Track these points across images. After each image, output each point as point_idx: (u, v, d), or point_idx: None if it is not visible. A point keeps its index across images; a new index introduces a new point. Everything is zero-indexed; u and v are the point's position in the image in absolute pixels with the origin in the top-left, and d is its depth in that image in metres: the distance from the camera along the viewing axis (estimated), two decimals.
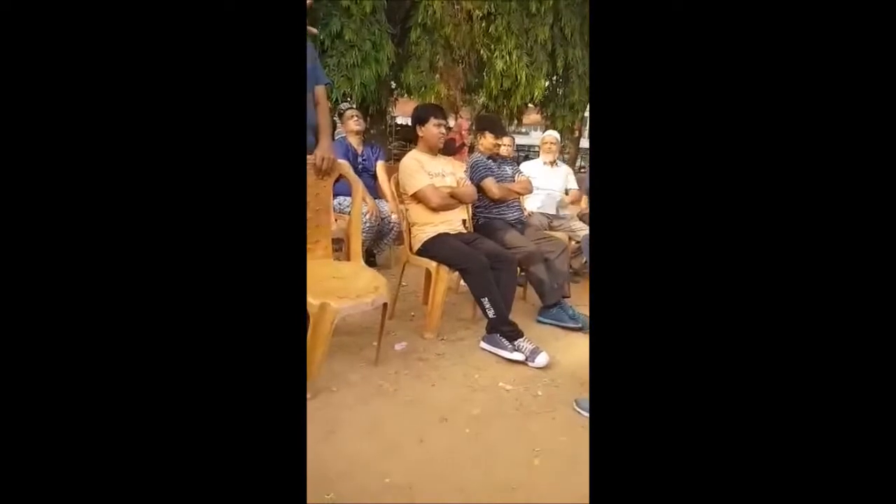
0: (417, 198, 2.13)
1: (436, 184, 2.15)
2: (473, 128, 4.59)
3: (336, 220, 2.80)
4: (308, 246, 1.74)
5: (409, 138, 10.09)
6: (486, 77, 5.78)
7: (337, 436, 1.41)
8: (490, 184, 2.45)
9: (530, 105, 6.55)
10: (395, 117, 8.66)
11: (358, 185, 1.84)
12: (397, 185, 2.23)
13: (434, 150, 2.23)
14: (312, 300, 1.50)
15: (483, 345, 2.03)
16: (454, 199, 2.18)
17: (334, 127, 2.92)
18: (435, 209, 2.12)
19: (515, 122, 6.50)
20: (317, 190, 1.71)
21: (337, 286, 1.62)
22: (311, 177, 1.69)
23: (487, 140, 2.57)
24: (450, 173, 2.26)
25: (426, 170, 2.15)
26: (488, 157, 2.58)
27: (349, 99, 5.47)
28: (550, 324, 2.34)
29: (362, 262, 1.85)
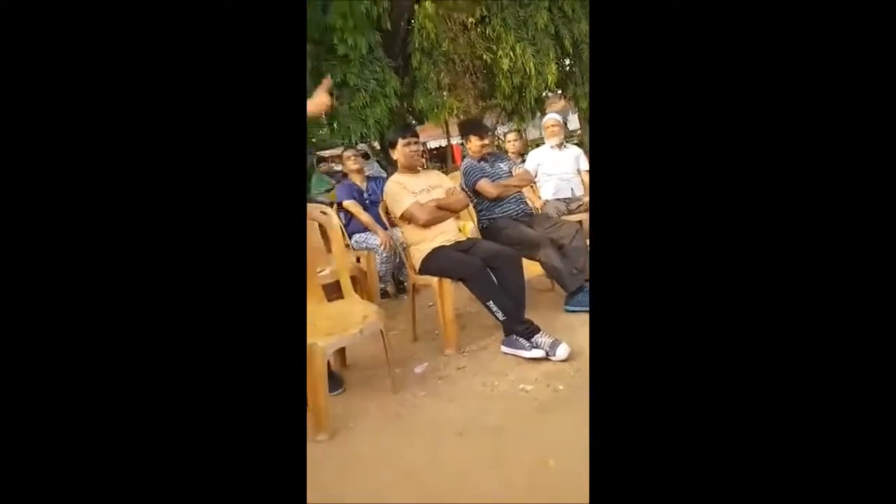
0: (406, 218, 2.13)
1: (421, 200, 2.14)
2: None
3: (358, 259, 2.87)
4: None
5: (443, 158, 10.18)
6: (496, 79, 5.73)
7: (355, 472, 1.41)
8: (485, 185, 2.40)
9: (549, 93, 6.38)
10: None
11: (334, 224, 1.88)
12: (386, 212, 2.25)
13: (414, 169, 2.23)
14: None
15: (503, 349, 1.96)
16: (444, 211, 2.15)
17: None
18: (425, 225, 2.10)
19: (538, 113, 6.35)
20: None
21: (326, 325, 1.64)
22: None
23: (473, 143, 2.52)
24: (437, 186, 2.24)
25: (409, 189, 2.15)
26: (479, 160, 2.53)
27: (367, 140, 5.67)
28: (579, 310, 2.21)
29: (355, 297, 1.86)
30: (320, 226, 1.95)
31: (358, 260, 2.89)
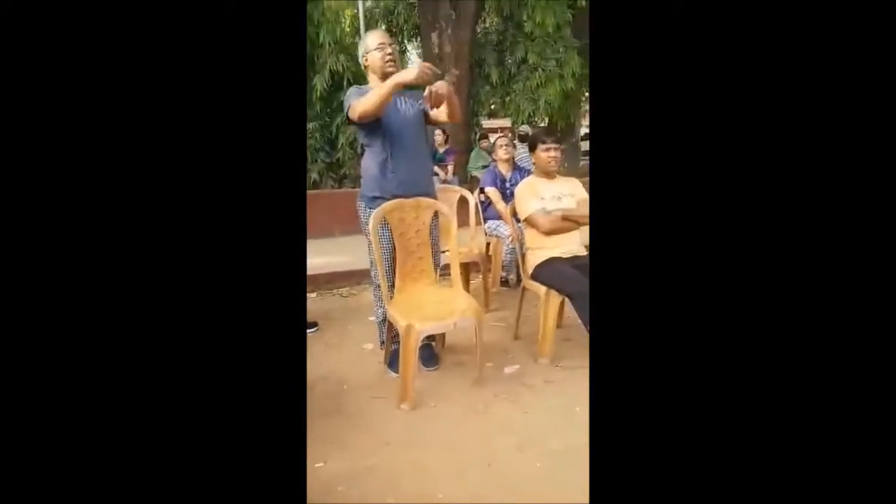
0: (529, 222, 2.15)
1: (549, 207, 2.12)
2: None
3: (489, 244, 2.99)
4: (413, 275, 1.97)
5: None
6: None
7: (416, 446, 1.58)
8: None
9: None
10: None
11: (452, 217, 2.00)
12: (513, 210, 2.29)
13: (549, 174, 2.21)
14: (402, 321, 1.72)
15: None
16: (569, 222, 2.11)
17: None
18: (546, 233, 2.09)
19: None
20: (417, 227, 1.93)
21: (427, 310, 1.80)
22: (410, 213, 1.92)
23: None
24: (569, 195, 2.19)
25: (538, 194, 2.15)
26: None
27: (534, 120, 5.62)
28: None
29: (460, 289, 1.98)
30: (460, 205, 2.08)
31: (488, 245, 3.01)
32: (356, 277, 3.29)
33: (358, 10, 5.57)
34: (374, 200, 1.90)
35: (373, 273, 1.98)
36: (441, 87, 1.69)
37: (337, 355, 2.31)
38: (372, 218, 1.83)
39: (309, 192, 5.53)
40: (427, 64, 1.70)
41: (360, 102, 1.77)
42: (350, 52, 5.49)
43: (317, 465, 1.52)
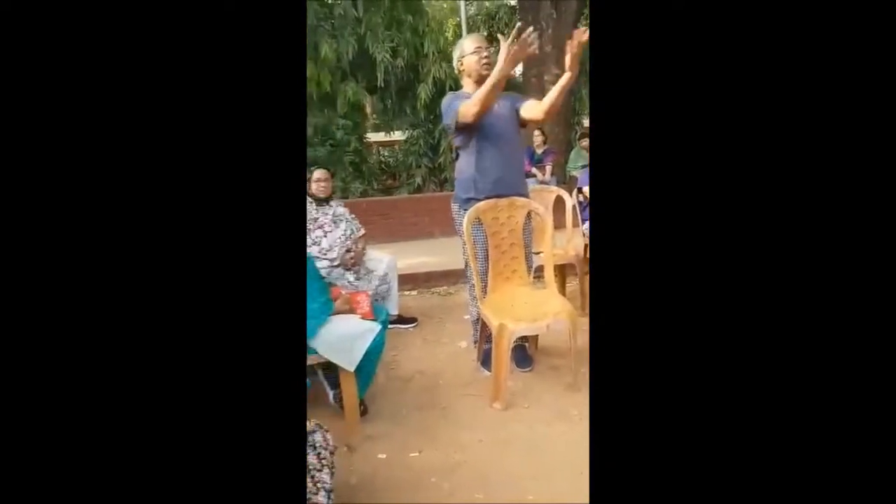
0: None
1: None
2: None
3: (587, 245, 2.90)
4: (506, 275, 1.97)
5: None
6: None
7: (507, 446, 1.58)
8: None
9: None
10: None
11: (547, 218, 1.96)
12: None
13: None
14: (494, 321, 1.73)
15: None
16: None
17: None
18: None
19: None
20: (510, 227, 1.93)
21: (521, 311, 1.79)
22: (503, 213, 1.93)
23: None
24: None
25: None
26: None
27: None
28: None
29: (554, 291, 1.94)
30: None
31: (586, 247, 2.91)
32: (453, 277, 3.37)
33: (460, 17, 5.71)
34: (469, 202, 1.94)
35: (467, 273, 2.02)
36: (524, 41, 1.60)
37: (434, 351, 2.39)
38: (465, 218, 1.87)
39: (410, 195, 5.76)
40: (507, 42, 1.61)
41: (472, 103, 1.78)
42: (452, 60, 5.63)
43: (412, 455, 1.59)
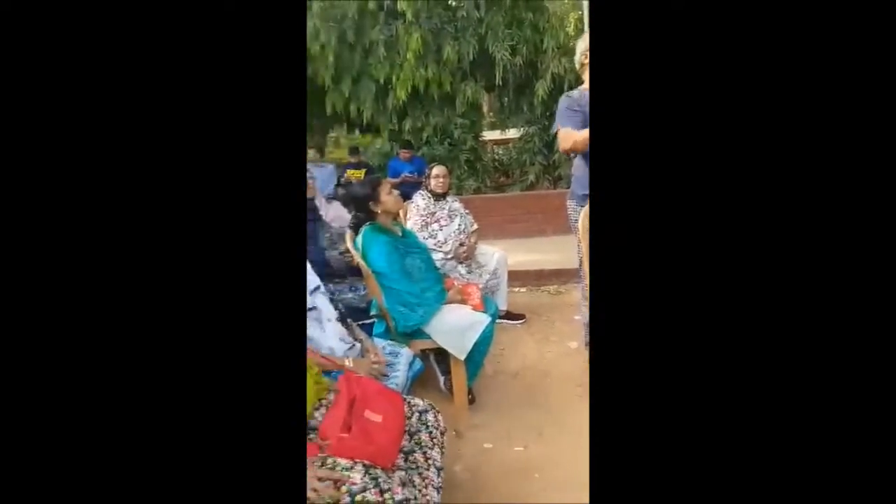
0: None
1: None
2: None
3: None
4: None
5: None
6: None
7: None
8: None
9: None
10: None
11: None
12: None
13: None
14: None
15: None
16: None
17: None
18: None
19: None
20: None
21: None
22: None
23: None
24: None
25: None
26: None
27: None
28: None
29: None
30: None
31: None
32: (564, 276, 3.30)
33: (582, 10, 5.53)
34: (586, 199, 1.89)
35: (580, 272, 1.97)
36: None
37: (542, 349, 2.37)
38: (582, 214, 1.83)
39: (523, 192, 5.71)
40: None
41: (567, 141, 1.84)
42: (572, 55, 5.48)
43: (516, 449, 1.61)
